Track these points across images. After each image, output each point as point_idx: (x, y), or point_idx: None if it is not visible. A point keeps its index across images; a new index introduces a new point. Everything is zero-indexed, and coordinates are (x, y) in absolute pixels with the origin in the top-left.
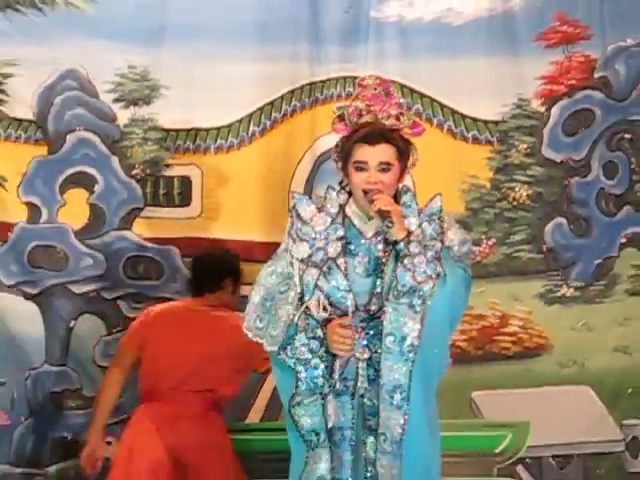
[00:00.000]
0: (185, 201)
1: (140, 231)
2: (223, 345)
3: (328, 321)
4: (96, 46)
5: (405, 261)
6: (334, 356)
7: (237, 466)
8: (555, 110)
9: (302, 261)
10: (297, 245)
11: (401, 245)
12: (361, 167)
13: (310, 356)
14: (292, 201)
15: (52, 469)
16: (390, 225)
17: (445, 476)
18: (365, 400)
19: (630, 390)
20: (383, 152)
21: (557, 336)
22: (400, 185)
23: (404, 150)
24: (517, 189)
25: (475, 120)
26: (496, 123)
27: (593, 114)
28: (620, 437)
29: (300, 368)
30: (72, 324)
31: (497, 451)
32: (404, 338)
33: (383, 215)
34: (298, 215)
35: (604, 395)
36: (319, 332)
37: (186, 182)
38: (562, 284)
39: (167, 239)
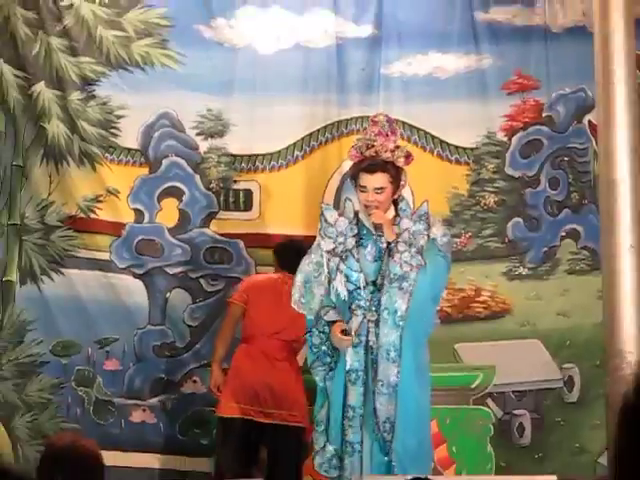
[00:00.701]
0: (248, 207)
1: (215, 229)
2: None
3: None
4: (184, 95)
5: (395, 256)
6: (350, 317)
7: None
8: (514, 140)
9: (328, 252)
10: (325, 241)
11: (392, 245)
12: (363, 190)
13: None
14: (321, 209)
15: (152, 401)
16: (381, 234)
17: (436, 404)
18: (374, 349)
19: (568, 342)
20: (379, 179)
21: (516, 303)
22: (398, 196)
23: (396, 176)
24: (487, 197)
25: (457, 147)
26: (472, 149)
27: (541, 142)
28: (560, 377)
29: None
30: (167, 295)
31: (472, 387)
32: (395, 311)
33: (376, 226)
34: (325, 219)
35: (550, 346)
36: (327, 329)
37: (248, 193)
38: (519, 265)
39: (235, 234)
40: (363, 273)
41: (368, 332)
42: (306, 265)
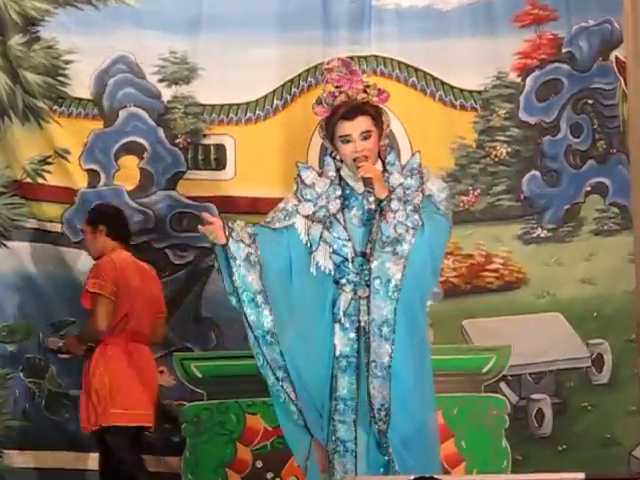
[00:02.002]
0: (220, 165)
1: (183, 191)
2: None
3: None
4: (143, 35)
5: (387, 216)
6: (339, 295)
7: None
8: (529, 80)
9: (307, 217)
10: (302, 205)
11: (383, 203)
12: (347, 140)
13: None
14: (297, 168)
15: None
16: (371, 190)
17: (440, 393)
18: (367, 331)
19: (595, 314)
20: (362, 123)
21: (533, 271)
22: (382, 146)
23: (378, 116)
24: (498, 148)
25: (462, 90)
26: (479, 92)
27: (561, 83)
28: (586, 354)
29: None
30: None
31: (484, 371)
32: (389, 280)
33: (366, 181)
34: (302, 180)
35: (573, 319)
36: None
37: (221, 149)
38: (537, 227)
39: (206, 197)
40: (351, 241)
41: (359, 311)
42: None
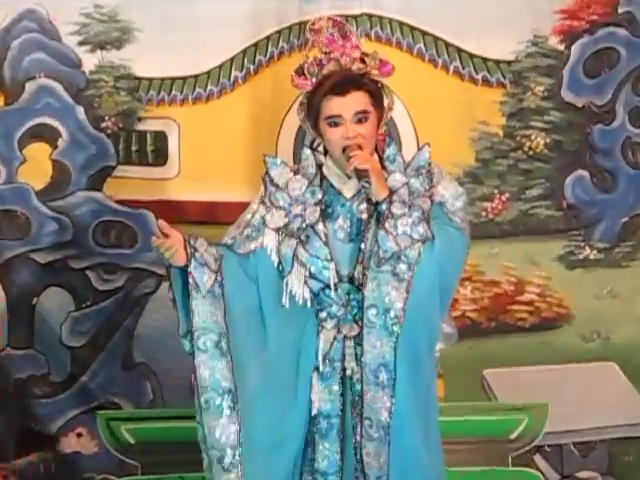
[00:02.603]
0: (160, 159)
1: (111, 192)
2: None
3: None
4: None
5: (387, 224)
6: (318, 333)
7: None
8: (575, 48)
9: (278, 231)
10: (272, 214)
11: (383, 206)
12: (335, 122)
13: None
14: (265, 163)
15: (18, 463)
16: (367, 185)
17: (454, 465)
18: (355, 382)
19: None
20: (356, 101)
21: (579, 305)
22: (382, 134)
23: (378, 94)
24: (533, 137)
25: (485, 60)
26: (509, 63)
27: (618, 54)
28: None
29: None
30: (35, 299)
31: (512, 437)
32: (387, 310)
33: (360, 174)
34: (271, 180)
35: (631, 372)
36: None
37: (161, 138)
38: (584, 245)
39: (141, 202)
40: (334, 262)
41: (344, 355)
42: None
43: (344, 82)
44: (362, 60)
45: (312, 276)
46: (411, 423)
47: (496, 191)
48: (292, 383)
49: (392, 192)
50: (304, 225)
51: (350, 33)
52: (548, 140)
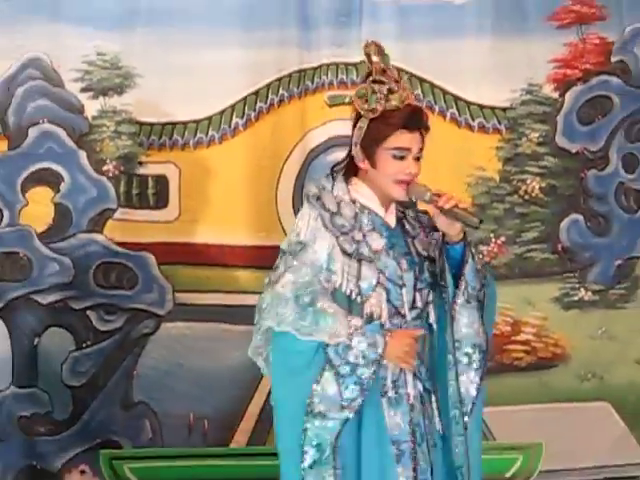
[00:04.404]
0: (161, 202)
1: (112, 235)
2: None
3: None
4: (61, 32)
5: (473, 262)
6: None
7: None
8: (569, 96)
9: (350, 255)
10: (342, 240)
11: (458, 246)
12: (402, 155)
13: (362, 361)
14: (307, 188)
15: None
16: (476, 225)
17: None
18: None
19: None
20: (421, 139)
21: (575, 345)
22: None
23: (426, 136)
24: (529, 182)
25: (481, 107)
26: (504, 110)
27: (611, 101)
28: None
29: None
30: (37, 340)
31: (507, 476)
32: (476, 346)
33: (455, 215)
34: (323, 205)
35: (626, 413)
36: (379, 339)
37: (162, 181)
38: (580, 287)
39: (141, 244)
40: (406, 287)
41: (406, 383)
42: (289, 284)
43: (417, 118)
44: (417, 99)
45: (388, 301)
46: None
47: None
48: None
49: (465, 234)
50: (372, 251)
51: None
52: (543, 185)
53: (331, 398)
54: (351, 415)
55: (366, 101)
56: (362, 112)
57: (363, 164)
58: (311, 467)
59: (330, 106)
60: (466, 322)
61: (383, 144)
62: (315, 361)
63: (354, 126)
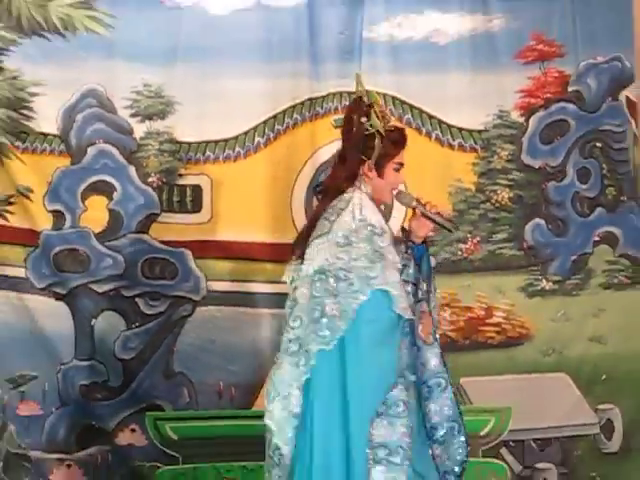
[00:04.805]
0: (196, 207)
1: (156, 234)
2: None
3: None
4: (114, 67)
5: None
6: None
7: None
8: (533, 120)
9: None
10: (406, 265)
11: (419, 246)
12: (399, 169)
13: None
14: (358, 208)
15: (81, 454)
16: (453, 228)
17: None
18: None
19: (604, 377)
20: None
21: (538, 326)
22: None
23: None
24: (499, 192)
25: (460, 129)
26: (479, 132)
27: (568, 124)
28: (595, 420)
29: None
30: (94, 321)
31: (482, 434)
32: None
33: (435, 220)
34: (373, 226)
35: (580, 382)
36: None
37: (197, 190)
38: (542, 278)
39: (180, 242)
40: None
41: None
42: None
43: (405, 138)
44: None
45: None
46: None
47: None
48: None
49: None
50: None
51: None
52: (511, 194)
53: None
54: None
55: (377, 117)
56: (380, 130)
57: (371, 173)
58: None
59: (336, 127)
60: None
61: (389, 159)
62: None
63: (355, 144)
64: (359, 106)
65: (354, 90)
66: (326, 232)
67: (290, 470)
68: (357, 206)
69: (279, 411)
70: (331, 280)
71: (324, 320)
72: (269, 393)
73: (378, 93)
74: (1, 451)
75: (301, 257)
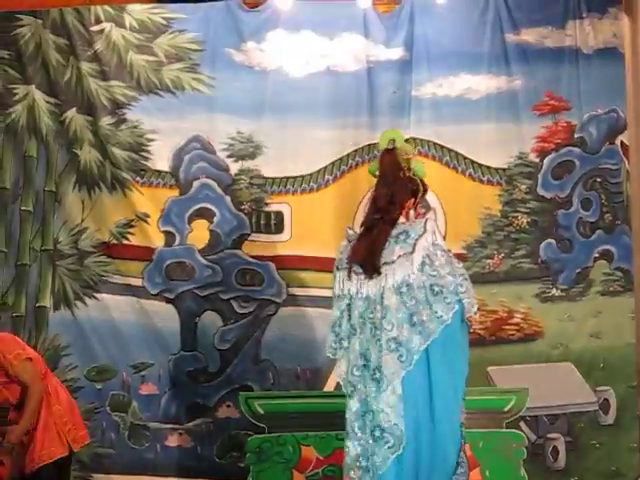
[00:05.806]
0: (279, 229)
1: (247, 250)
2: None
3: None
4: (214, 118)
5: None
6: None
7: None
8: (546, 161)
9: None
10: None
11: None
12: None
13: None
14: (432, 233)
15: (189, 425)
16: None
17: (469, 428)
18: None
19: (601, 365)
20: None
21: (548, 326)
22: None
23: None
24: (519, 218)
25: (488, 168)
26: (504, 170)
27: (574, 164)
28: (594, 400)
29: None
30: (197, 319)
31: (505, 410)
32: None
33: None
34: (448, 250)
35: (582, 369)
36: None
37: (280, 215)
38: (552, 287)
39: (266, 256)
40: None
41: None
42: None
43: None
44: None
45: None
46: None
47: (495, 252)
48: None
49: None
50: None
51: None
52: (529, 220)
53: None
54: None
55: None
56: (424, 180)
57: (411, 205)
58: None
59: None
60: None
61: (420, 201)
62: None
63: (403, 184)
64: (400, 156)
65: (405, 138)
66: (410, 252)
67: (398, 443)
68: (431, 233)
69: (391, 396)
70: (422, 292)
71: (418, 326)
72: (381, 382)
73: (422, 140)
74: (127, 422)
75: (374, 272)
